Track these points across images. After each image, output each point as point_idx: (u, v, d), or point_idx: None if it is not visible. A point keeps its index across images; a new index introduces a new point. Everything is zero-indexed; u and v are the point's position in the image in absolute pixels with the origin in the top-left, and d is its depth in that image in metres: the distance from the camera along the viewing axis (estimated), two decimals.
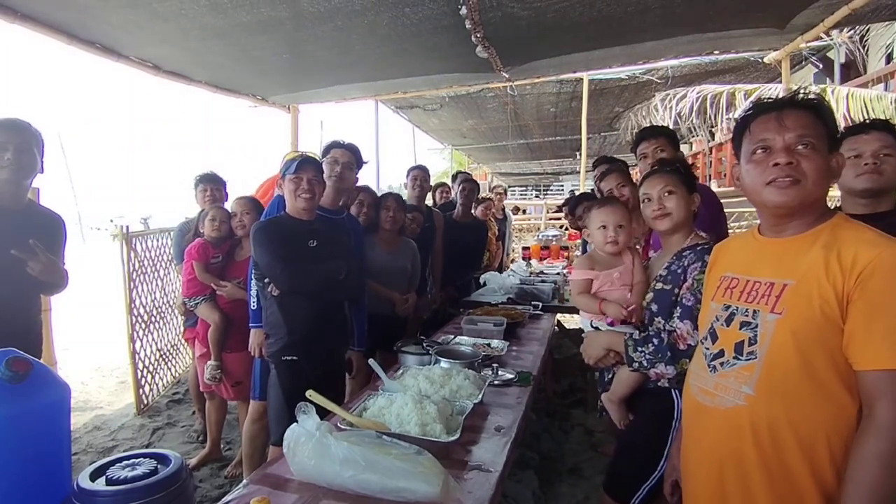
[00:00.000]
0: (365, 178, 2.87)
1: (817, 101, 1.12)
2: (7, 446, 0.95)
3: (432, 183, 4.20)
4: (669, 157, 2.12)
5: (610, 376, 1.80)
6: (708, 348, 1.20)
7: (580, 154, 8.21)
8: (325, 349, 2.21)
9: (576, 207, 3.39)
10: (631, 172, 2.68)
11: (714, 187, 6.94)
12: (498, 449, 1.49)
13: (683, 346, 1.49)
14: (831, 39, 6.39)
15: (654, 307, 1.64)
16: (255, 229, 2.13)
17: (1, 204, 1.81)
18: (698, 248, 1.59)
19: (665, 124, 5.99)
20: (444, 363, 1.95)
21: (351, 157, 2.47)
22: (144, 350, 3.97)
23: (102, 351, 5.31)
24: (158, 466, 1.00)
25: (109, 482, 0.97)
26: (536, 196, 21.54)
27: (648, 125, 4.68)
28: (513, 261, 6.20)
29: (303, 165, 2.10)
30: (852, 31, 6.51)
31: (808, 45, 4.31)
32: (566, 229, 7.13)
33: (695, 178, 1.72)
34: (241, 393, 2.79)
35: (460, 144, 12.20)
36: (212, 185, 3.11)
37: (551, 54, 3.90)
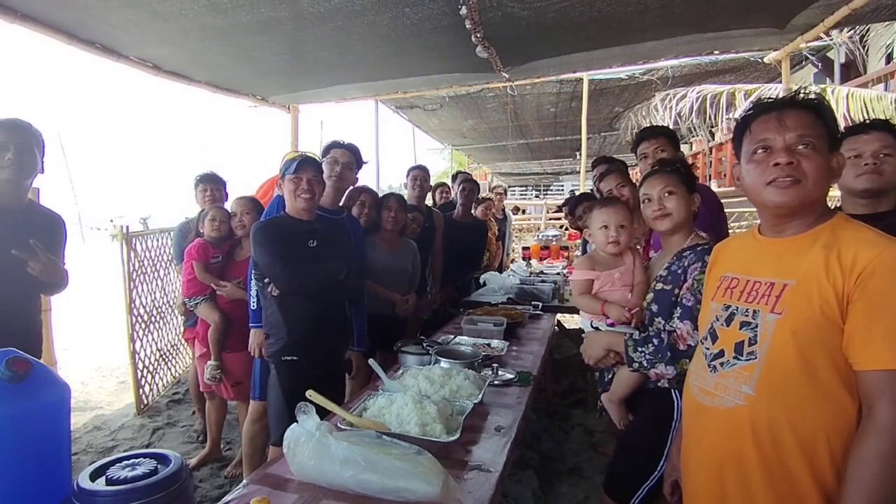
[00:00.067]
0: (365, 178, 2.88)
1: (818, 101, 1.12)
2: (7, 446, 0.95)
3: (432, 183, 4.20)
4: (670, 158, 2.11)
5: (610, 376, 1.80)
6: (708, 348, 1.20)
7: (580, 154, 8.21)
8: (325, 349, 2.21)
9: (576, 207, 3.39)
10: (631, 172, 2.68)
11: (714, 187, 6.94)
12: (498, 449, 1.49)
13: (683, 346, 1.49)
14: (831, 39, 6.38)
15: (654, 307, 1.64)
16: (255, 229, 2.13)
17: (1, 204, 1.82)
18: (698, 249, 1.59)
19: (665, 124, 5.98)
20: (444, 363, 1.95)
21: (351, 157, 2.47)
22: (144, 350, 3.97)
23: (102, 351, 5.31)
24: (158, 466, 1.00)
25: (109, 482, 0.97)
26: (536, 196, 21.57)
27: (648, 125, 4.68)
28: (513, 261, 6.19)
29: (302, 165, 2.10)
30: (852, 31, 6.51)
31: (808, 45, 4.29)
32: (566, 229, 7.13)
33: (695, 179, 1.72)
34: (241, 393, 2.80)
35: (460, 144, 12.21)
36: (212, 185, 3.11)
37: (551, 54, 3.90)
